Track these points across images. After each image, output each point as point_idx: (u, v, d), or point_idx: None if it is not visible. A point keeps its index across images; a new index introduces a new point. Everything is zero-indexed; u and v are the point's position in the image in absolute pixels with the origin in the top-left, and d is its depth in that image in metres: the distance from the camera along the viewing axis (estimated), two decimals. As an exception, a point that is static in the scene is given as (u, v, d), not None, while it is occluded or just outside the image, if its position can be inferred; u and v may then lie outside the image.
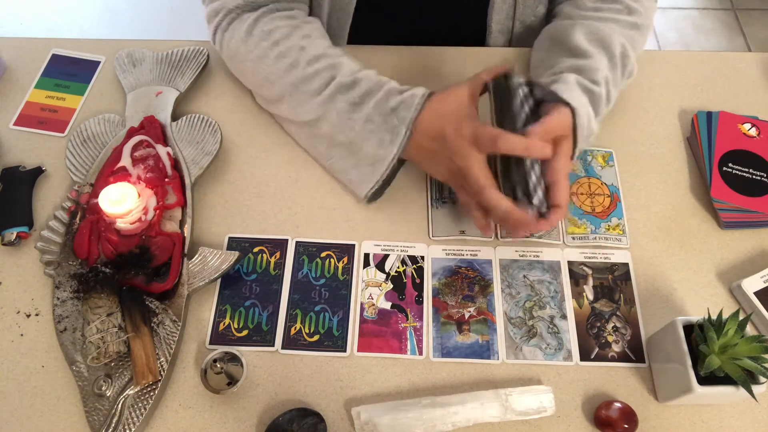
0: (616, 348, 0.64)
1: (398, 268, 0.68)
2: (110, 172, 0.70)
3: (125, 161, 0.71)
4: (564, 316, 0.66)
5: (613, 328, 0.65)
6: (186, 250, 0.66)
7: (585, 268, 0.69)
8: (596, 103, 0.68)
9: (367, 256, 0.69)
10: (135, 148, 0.72)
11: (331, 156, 0.72)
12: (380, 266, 0.68)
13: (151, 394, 0.59)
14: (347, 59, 0.71)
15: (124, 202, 0.65)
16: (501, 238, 0.70)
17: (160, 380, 0.60)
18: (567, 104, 0.63)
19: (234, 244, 0.70)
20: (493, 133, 0.60)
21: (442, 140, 0.63)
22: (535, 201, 0.61)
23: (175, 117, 0.76)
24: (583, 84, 0.67)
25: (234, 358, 0.61)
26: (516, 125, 0.62)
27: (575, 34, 0.72)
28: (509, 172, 0.62)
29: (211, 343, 0.64)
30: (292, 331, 0.65)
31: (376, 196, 0.70)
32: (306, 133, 0.74)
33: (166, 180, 0.69)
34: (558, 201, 0.62)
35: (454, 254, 0.69)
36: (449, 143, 0.63)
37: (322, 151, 0.73)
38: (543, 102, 0.66)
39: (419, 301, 0.67)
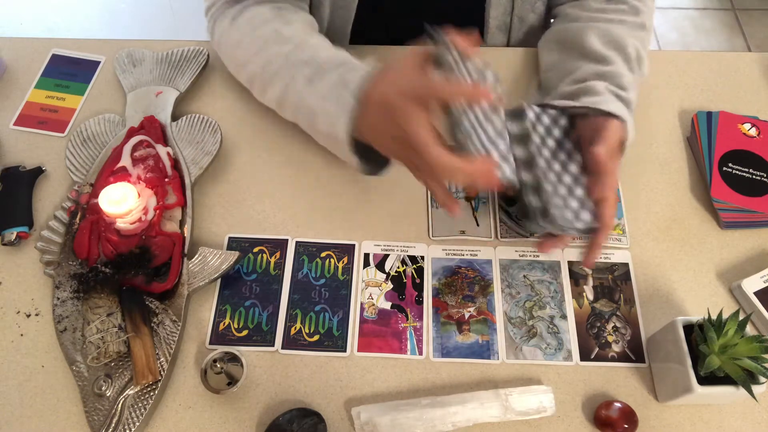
0: (616, 348, 0.64)
1: (398, 268, 0.68)
2: (110, 172, 0.70)
3: (125, 161, 0.71)
4: (564, 316, 0.66)
5: (613, 328, 0.65)
6: (186, 250, 0.66)
7: (585, 268, 0.69)
8: (629, 109, 0.66)
9: (367, 256, 0.69)
10: (135, 148, 0.72)
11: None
12: (380, 266, 0.68)
13: (151, 394, 0.59)
14: (317, 39, 0.68)
15: (124, 202, 0.65)
16: (501, 238, 0.70)
17: (160, 380, 0.60)
18: (613, 116, 0.61)
19: (234, 244, 0.70)
20: (433, 80, 0.55)
21: (386, 105, 0.57)
22: (581, 225, 0.60)
23: (175, 117, 0.76)
24: (614, 92, 0.66)
25: (234, 358, 0.61)
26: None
27: (588, 38, 0.71)
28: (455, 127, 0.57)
29: (211, 343, 0.64)
30: (292, 331, 0.65)
31: (374, 171, 0.66)
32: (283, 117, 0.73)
33: (166, 180, 0.69)
34: (607, 221, 0.60)
35: (454, 254, 0.69)
36: (391, 105, 0.56)
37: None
38: (575, 117, 0.65)
39: (419, 301, 0.67)
